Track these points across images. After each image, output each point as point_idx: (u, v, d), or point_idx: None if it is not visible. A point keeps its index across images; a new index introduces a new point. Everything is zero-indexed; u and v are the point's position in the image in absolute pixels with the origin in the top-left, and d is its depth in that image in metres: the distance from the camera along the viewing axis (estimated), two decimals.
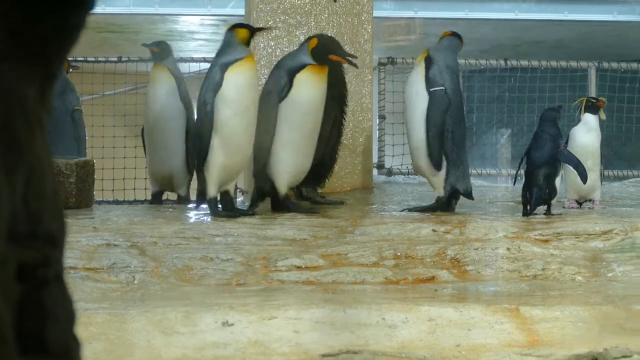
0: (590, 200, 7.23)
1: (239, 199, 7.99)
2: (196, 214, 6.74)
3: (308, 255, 5.40)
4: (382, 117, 9.08)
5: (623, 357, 3.96)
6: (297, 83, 6.69)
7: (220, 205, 6.61)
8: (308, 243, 5.72)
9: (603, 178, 7.42)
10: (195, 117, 6.92)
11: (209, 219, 6.44)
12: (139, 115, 8.61)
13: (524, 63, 9.69)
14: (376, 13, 8.52)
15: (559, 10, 12.78)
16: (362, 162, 8.06)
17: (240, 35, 6.65)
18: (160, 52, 8.08)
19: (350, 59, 6.80)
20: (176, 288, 4.93)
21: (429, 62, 6.87)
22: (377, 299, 4.51)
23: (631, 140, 11.58)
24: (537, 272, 5.27)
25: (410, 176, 8.90)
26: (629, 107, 10.19)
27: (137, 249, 5.40)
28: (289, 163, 6.71)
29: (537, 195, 6.54)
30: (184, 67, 9.12)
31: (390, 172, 9.11)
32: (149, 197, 8.37)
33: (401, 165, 9.06)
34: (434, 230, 5.92)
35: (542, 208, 6.61)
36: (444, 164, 6.77)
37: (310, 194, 7.27)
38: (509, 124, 11.08)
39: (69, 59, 7.95)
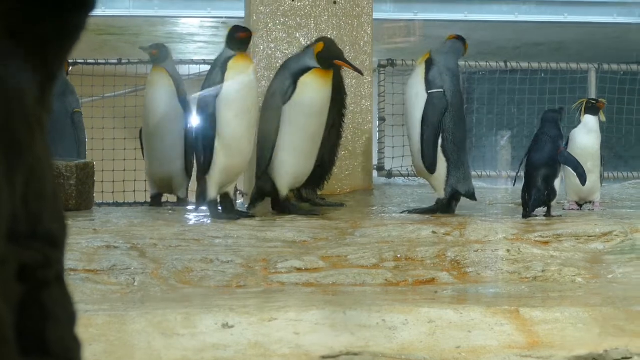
0: (590, 202, 7.22)
1: (239, 201, 7.99)
2: (196, 216, 6.74)
3: (308, 257, 5.40)
4: (382, 119, 9.08)
5: (623, 358, 3.96)
6: (302, 86, 6.69)
7: (220, 208, 6.61)
8: (308, 245, 5.73)
9: (603, 180, 7.42)
10: (196, 118, 6.91)
11: (208, 221, 6.44)
12: (139, 118, 8.60)
13: (524, 65, 9.70)
14: (376, 15, 8.50)
15: (559, 12, 12.77)
16: (362, 164, 8.06)
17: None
18: (159, 54, 8.08)
19: (355, 66, 6.86)
20: (176, 290, 4.93)
21: (429, 64, 6.87)
22: (377, 301, 4.51)
23: (631, 142, 11.59)
24: (537, 273, 5.27)
25: (410, 178, 8.90)
26: (629, 108, 10.18)
27: (137, 251, 5.40)
28: (291, 165, 6.71)
29: (535, 196, 6.55)
30: (184, 70, 9.11)
31: (390, 174, 9.10)
32: (149, 200, 8.37)
33: (401, 167, 9.05)
34: (434, 232, 5.93)
35: (542, 210, 6.61)
36: (445, 165, 6.77)
37: (310, 196, 7.27)
38: (509, 126, 11.07)
39: (69, 60, 7.94)
